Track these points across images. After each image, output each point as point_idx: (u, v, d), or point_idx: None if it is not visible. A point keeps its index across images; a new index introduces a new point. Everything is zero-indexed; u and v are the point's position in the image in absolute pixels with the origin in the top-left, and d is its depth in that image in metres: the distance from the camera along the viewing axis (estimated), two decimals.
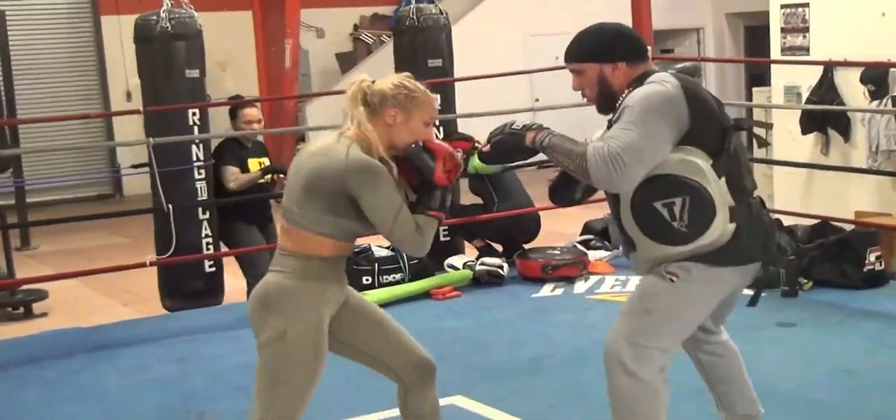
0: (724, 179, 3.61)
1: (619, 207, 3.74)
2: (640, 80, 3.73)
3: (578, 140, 3.68)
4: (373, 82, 3.84)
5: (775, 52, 10.43)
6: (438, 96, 4.13)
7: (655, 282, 3.74)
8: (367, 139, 3.73)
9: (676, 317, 3.76)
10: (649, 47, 3.96)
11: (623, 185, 3.59)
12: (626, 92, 3.73)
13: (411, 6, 8.89)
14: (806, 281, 7.52)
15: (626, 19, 9.12)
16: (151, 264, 7.77)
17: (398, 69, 9.08)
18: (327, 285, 3.79)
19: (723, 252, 3.66)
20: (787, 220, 8.20)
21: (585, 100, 3.94)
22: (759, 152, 10.18)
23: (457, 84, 9.02)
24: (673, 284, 3.69)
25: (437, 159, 3.78)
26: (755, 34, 16.76)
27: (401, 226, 3.69)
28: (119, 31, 15.90)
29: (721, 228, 3.62)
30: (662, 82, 3.66)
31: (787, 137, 10.13)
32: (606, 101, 3.82)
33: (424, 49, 8.85)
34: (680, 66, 9.99)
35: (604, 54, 3.81)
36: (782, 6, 10.32)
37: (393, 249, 8.23)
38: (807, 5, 10.04)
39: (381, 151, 3.74)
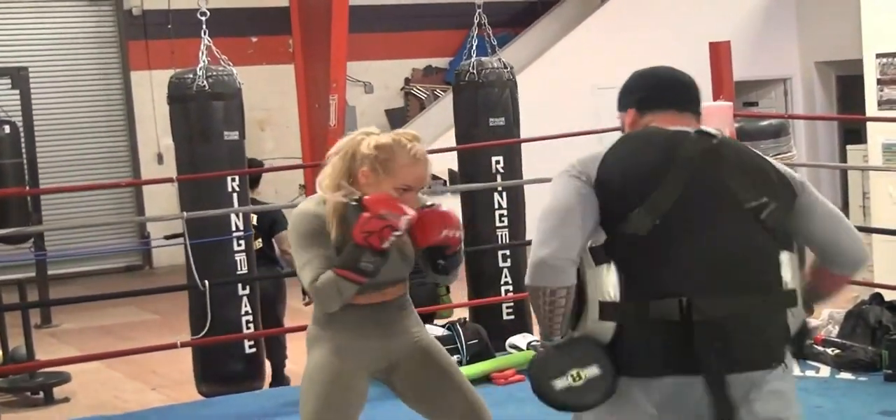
0: (611, 268, 3.36)
1: None
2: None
3: None
4: (375, 136, 4.19)
5: (871, 106, 10.33)
6: (427, 163, 4.25)
7: None
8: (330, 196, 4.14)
9: None
10: (697, 99, 3.61)
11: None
12: None
13: (471, 60, 8.85)
14: None
15: (705, 69, 9.08)
16: (182, 345, 7.78)
17: (458, 128, 9.10)
18: (336, 333, 4.20)
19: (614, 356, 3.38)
20: (888, 295, 8.08)
21: None
22: (856, 218, 10.04)
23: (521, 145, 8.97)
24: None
25: (361, 217, 3.98)
26: (849, 85, 16.62)
27: (303, 277, 4.09)
28: (150, 88, 16.09)
29: (592, 323, 3.39)
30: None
31: (887, 201, 10.01)
32: None
33: (485, 107, 8.78)
34: (765, 123, 9.92)
35: (622, 101, 3.68)
36: (878, 55, 10.24)
37: (449, 329, 8.19)
38: None
39: (341, 207, 4.10)
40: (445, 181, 13.21)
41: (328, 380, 4.17)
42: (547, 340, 3.43)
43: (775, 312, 3.39)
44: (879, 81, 10.24)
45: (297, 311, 9.65)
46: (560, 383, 3.33)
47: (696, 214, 3.36)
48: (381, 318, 4.23)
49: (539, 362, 3.41)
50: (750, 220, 3.37)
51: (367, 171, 4.11)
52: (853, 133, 15.27)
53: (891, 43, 10.05)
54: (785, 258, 3.40)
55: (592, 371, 3.34)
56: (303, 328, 8.27)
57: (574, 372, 3.33)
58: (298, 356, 8.81)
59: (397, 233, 3.96)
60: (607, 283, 3.35)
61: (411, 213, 4.02)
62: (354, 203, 4.06)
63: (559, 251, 3.33)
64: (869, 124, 10.71)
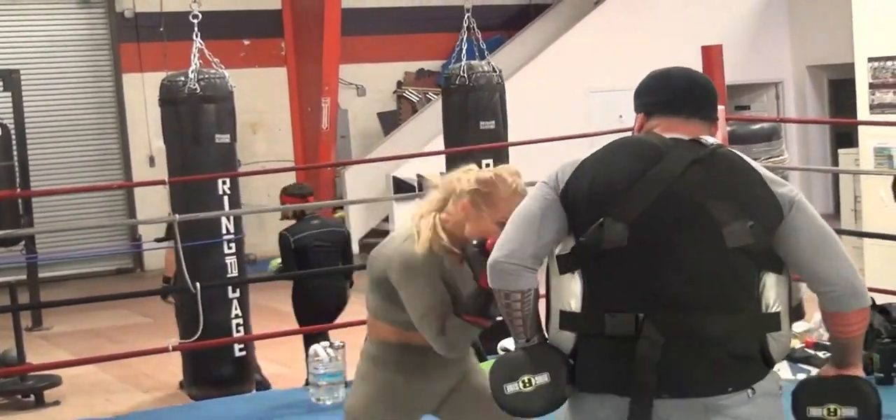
0: (575, 278, 3.26)
1: None
2: None
3: None
4: (475, 171, 4.21)
5: (863, 110, 10.33)
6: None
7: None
8: (427, 232, 4.12)
9: None
10: (698, 102, 3.42)
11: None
12: None
13: (461, 63, 8.87)
14: None
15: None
16: (174, 350, 7.77)
17: (447, 131, 9.11)
18: (391, 374, 4.24)
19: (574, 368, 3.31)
20: (880, 298, 8.07)
21: None
22: (847, 222, 10.04)
23: (510, 148, 8.98)
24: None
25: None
26: (841, 88, 16.64)
27: (425, 326, 4.07)
28: (142, 91, 16.08)
29: (553, 332, 3.32)
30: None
31: (879, 205, 10.01)
32: None
33: (476, 110, 8.81)
34: (757, 127, 9.92)
35: (635, 103, 3.50)
36: (870, 59, 10.24)
37: None
38: None
39: (440, 244, 4.11)
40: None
41: None
42: (516, 342, 3.42)
43: (743, 335, 3.19)
44: (871, 85, 10.24)
45: (281, 314, 9.65)
46: (511, 387, 3.30)
47: (663, 229, 3.19)
48: (442, 360, 4.23)
49: (498, 363, 3.40)
50: (723, 240, 3.17)
51: (466, 204, 4.09)
52: (845, 137, 15.31)
53: (882, 47, 10.06)
54: (769, 280, 3.21)
55: (543, 379, 3.27)
56: (292, 332, 8.36)
57: (526, 377, 3.28)
58: (271, 354, 8.82)
59: None
60: (569, 293, 3.26)
61: None
62: (476, 247, 3.93)
63: (510, 256, 3.29)
64: (860, 128, 10.72)
